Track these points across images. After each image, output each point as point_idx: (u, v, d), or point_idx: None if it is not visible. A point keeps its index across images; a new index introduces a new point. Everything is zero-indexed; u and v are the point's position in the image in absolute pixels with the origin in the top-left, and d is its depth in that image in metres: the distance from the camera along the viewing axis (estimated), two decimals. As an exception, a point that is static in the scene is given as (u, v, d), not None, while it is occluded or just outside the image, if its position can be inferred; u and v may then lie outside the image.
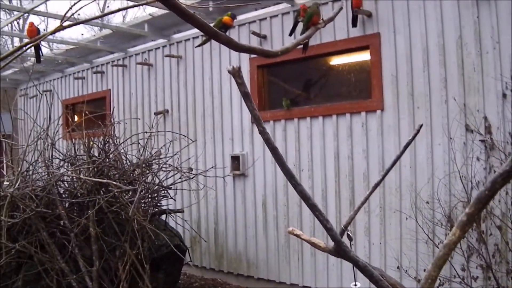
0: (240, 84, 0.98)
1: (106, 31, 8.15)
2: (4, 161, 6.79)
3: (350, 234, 2.41)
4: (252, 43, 6.44)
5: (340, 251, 1.62)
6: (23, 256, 5.24)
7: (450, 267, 4.86)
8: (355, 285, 2.66)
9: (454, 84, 4.93)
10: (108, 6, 25.11)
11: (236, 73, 0.98)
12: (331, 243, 1.70)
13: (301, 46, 5.24)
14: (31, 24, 6.02)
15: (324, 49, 5.91)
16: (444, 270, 4.91)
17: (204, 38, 5.71)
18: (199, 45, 5.91)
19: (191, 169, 6.32)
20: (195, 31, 7.34)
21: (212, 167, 6.66)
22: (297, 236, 1.68)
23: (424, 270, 4.99)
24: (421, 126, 1.82)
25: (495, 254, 4.65)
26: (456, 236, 1.38)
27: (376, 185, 1.84)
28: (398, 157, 1.82)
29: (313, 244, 1.66)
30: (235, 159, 6.74)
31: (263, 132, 1.03)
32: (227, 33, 5.32)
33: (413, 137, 1.80)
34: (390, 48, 5.38)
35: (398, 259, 5.20)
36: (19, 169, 5.57)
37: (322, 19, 5.09)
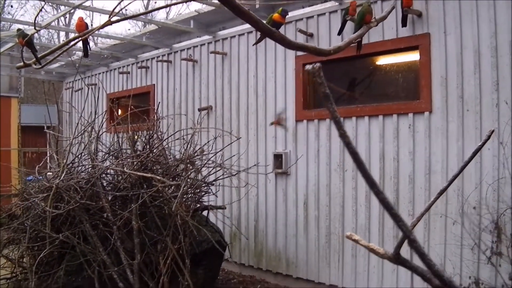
0: (320, 84, 0.94)
1: (152, 27, 8.22)
2: (49, 153, 6.93)
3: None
4: (298, 41, 6.38)
5: (400, 259, 1.57)
6: (65, 247, 5.34)
7: (496, 274, 4.72)
8: None
9: (506, 87, 4.77)
10: (155, 2, 25.42)
11: (316, 73, 0.95)
12: (387, 249, 1.65)
13: (354, 45, 5.16)
14: (81, 19, 6.11)
15: (372, 49, 5.81)
16: (489, 278, 4.78)
17: (259, 36, 5.68)
18: (255, 43, 5.89)
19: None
20: (240, 28, 7.34)
21: (254, 165, 6.65)
22: (356, 241, 1.63)
23: (470, 278, 4.87)
24: (492, 131, 1.74)
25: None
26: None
27: (441, 192, 1.77)
28: (466, 164, 1.75)
29: (372, 251, 1.61)
30: (278, 157, 6.71)
31: (343, 136, 0.99)
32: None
33: (483, 143, 1.72)
34: (440, 49, 5.25)
35: (442, 265, 5.08)
36: (65, 161, 5.67)
37: (375, 18, 5.01)
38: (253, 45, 6.48)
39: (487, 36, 4.90)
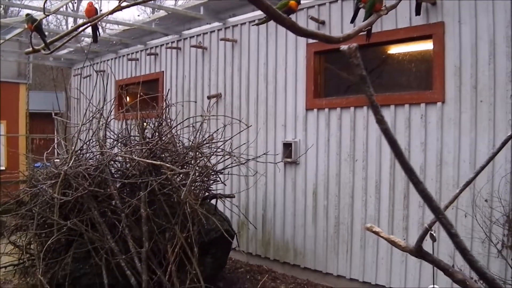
0: (357, 66, 0.88)
1: (161, 13, 8.15)
2: (56, 139, 6.91)
3: (434, 234, 2.28)
4: (309, 28, 6.30)
5: (422, 252, 1.51)
6: (73, 234, 5.32)
7: (506, 267, 4.67)
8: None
9: (521, 77, 4.69)
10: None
11: (352, 53, 0.89)
12: (409, 242, 1.59)
13: (364, 33, 5.08)
14: (90, 3, 6.04)
15: (384, 37, 5.72)
16: (500, 271, 4.73)
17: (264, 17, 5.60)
18: (257, 24, 5.80)
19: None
20: (250, 15, 7.26)
21: (264, 153, 6.60)
22: (376, 233, 1.57)
23: (480, 270, 4.81)
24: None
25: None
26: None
27: (467, 183, 1.71)
28: (495, 154, 1.68)
29: (393, 243, 1.56)
30: (287, 146, 6.65)
31: (381, 122, 0.93)
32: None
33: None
34: (454, 38, 5.16)
35: (452, 257, 5.02)
36: (73, 147, 5.64)
37: (385, 6, 4.91)
38: (253, 25, 6.39)
39: (502, 26, 4.80)
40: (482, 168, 1.69)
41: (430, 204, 1.05)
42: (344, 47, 0.98)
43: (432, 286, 2.79)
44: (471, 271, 3.84)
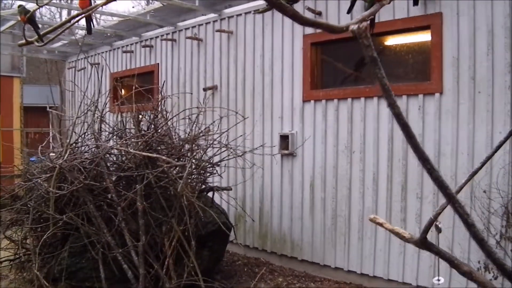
0: (367, 47, 0.84)
1: (156, 5, 8.07)
2: (51, 133, 6.85)
3: (439, 226, 2.24)
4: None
5: (427, 244, 1.48)
6: (69, 228, 5.28)
7: (505, 258, 4.65)
8: (438, 280, 2.51)
9: (520, 69, 4.66)
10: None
11: (362, 33, 0.84)
12: (409, 233, 1.56)
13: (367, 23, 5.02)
14: (84, -6, 5.97)
15: (381, 28, 5.65)
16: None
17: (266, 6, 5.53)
18: (259, 12, 5.73)
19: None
20: (246, 6, 7.20)
21: (260, 146, 6.55)
22: (380, 224, 1.53)
23: (479, 262, 4.79)
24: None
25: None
26: None
27: (473, 174, 1.67)
28: (501, 144, 1.64)
29: (397, 234, 1.52)
30: (284, 138, 6.61)
31: (393, 106, 0.89)
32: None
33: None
34: (452, 29, 5.11)
35: (450, 249, 5.00)
36: (68, 141, 5.58)
37: (387, -5, 4.86)
38: (254, 12, 6.32)
39: (501, 16, 4.76)
40: (489, 158, 1.65)
41: (445, 192, 1.01)
42: (353, 26, 0.93)
43: (436, 278, 2.76)
44: (470, 261, 3.80)
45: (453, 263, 1.47)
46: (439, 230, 2.50)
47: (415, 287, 5.37)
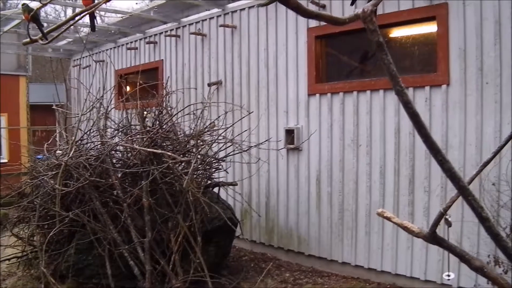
0: (373, 32, 0.81)
1: (160, 1, 8.04)
2: (57, 130, 6.85)
3: (449, 219, 2.20)
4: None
5: (437, 238, 1.45)
6: (75, 225, 5.29)
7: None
8: (448, 275, 2.47)
9: (528, 59, 4.60)
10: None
11: (367, 18, 0.81)
12: (418, 227, 1.53)
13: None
14: (87, -9, 5.95)
15: (386, 20, 5.60)
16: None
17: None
18: (263, 5, 5.70)
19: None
20: (250, 0, 7.15)
21: (266, 140, 6.52)
22: (388, 219, 1.51)
23: (488, 256, 4.74)
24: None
25: None
26: None
27: (485, 164, 1.64)
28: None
29: (405, 229, 1.49)
30: (290, 132, 6.57)
31: (401, 93, 0.86)
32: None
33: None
34: (458, 20, 5.05)
35: (459, 242, 4.95)
36: (73, 138, 5.58)
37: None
38: (257, 5, 6.28)
39: (508, 6, 4.69)
40: (501, 147, 1.61)
41: (458, 184, 0.98)
42: (358, 10, 0.90)
43: (446, 273, 2.72)
44: (479, 255, 3.75)
45: (464, 258, 1.44)
46: (449, 224, 2.43)
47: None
